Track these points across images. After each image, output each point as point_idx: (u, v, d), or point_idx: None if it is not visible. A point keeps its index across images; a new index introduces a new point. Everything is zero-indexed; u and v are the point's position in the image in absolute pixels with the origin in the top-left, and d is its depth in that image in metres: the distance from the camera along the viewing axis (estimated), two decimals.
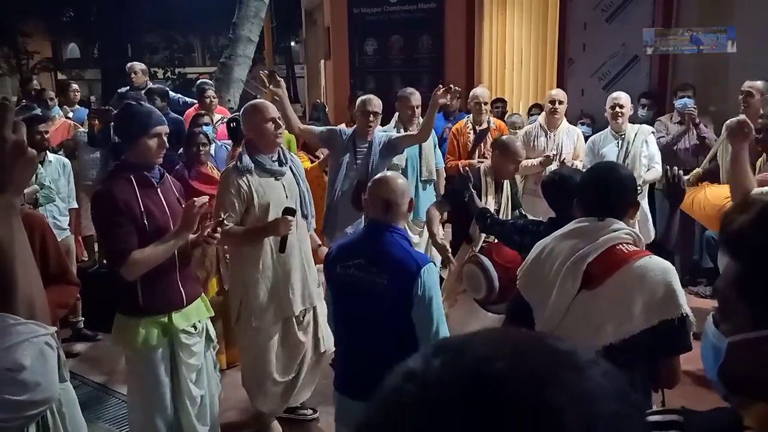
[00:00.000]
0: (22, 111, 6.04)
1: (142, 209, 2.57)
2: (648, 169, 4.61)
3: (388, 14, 7.32)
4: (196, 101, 6.45)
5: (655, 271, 1.95)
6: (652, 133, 4.72)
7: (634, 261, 1.97)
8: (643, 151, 4.60)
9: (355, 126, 4.18)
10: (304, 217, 3.32)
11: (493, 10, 7.13)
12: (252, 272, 3.14)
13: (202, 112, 5.65)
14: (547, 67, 6.94)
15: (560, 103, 4.82)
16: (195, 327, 2.81)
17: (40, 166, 4.49)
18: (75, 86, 6.97)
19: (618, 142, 4.62)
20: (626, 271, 1.96)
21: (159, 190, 2.68)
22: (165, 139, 2.64)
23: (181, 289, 2.73)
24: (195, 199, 2.56)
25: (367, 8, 7.42)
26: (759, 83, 4.22)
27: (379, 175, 2.50)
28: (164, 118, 2.57)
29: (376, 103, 4.09)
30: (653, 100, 5.61)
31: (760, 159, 3.74)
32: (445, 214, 3.92)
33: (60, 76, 23.12)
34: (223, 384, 4.07)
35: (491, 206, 3.59)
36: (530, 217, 3.80)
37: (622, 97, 4.64)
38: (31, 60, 24.09)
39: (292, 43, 21.11)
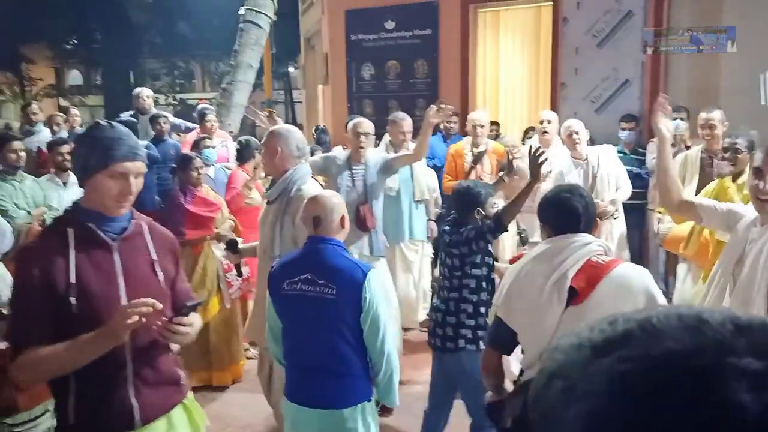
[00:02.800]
0: (25, 135, 6.17)
1: (71, 280, 1.75)
2: (617, 189, 4.66)
3: (385, 40, 7.48)
4: (197, 125, 6.59)
5: (634, 278, 2.04)
6: (613, 149, 4.81)
7: (612, 270, 2.04)
8: (611, 171, 4.64)
9: (350, 149, 4.29)
10: None
11: (486, 35, 7.30)
12: None
13: (204, 135, 5.77)
14: (540, 90, 7.08)
15: (549, 122, 4.95)
16: None
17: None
18: (74, 111, 7.15)
19: (582, 169, 4.65)
20: (607, 282, 2.02)
21: (116, 250, 1.85)
22: (135, 181, 1.85)
23: (134, 402, 1.86)
24: (135, 302, 1.73)
25: (364, 35, 7.58)
26: (716, 113, 4.30)
27: (312, 195, 2.62)
28: (142, 153, 1.90)
29: (366, 125, 4.20)
30: (635, 122, 5.74)
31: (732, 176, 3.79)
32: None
33: (62, 102, 23.37)
34: (226, 403, 4.12)
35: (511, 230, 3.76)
36: (528, 233, 4.04)
37: (575, 124, 4.71)
38: (34, 86, 24.38)
39: (290, 69, 21.38)
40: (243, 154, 5.09)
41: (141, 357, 1.87)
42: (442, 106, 3.95)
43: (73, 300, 1.73)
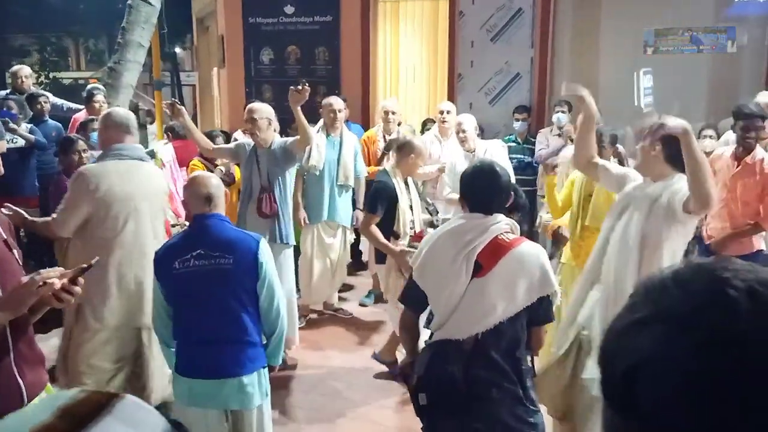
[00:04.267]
0: None
1: None
2: None
3: (285, 25, 7.39)
4: (81, 107, 6.19)
5: (531, 255, 2.30)
6: (503, 147, 5.10)
7: (514, 248, 2.29)
8: None
9: None
10: None
11: (387, 25, 7.43)
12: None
13: (92, 117, 5.43)
14: (438, 81, 7.34)
15: (448, 113, 5.17)
16: None
17: None
18: None
19: (470, 160, 4.91)
20: (509, 258, 2.27)
21: None
22: None
23: (19, 379, 1.85)
24: (41, 272, 1.75)
25: (262, 18, 7.44)
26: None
27: (193, 175, 2.81)
28: (2, 131, 1.99)
29: (256, 108, 4.23)
30: (527, 113, 6.14)
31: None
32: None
33: None
34: None
35: (406, 202, 3.88)
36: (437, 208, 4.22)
37: (464, 120, 4.92)
38: None
39: (177, 49, 20.40)
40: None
41: (20, 337, 1.86)
42: (304, 86, 3.95)
43: None
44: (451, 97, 6.69)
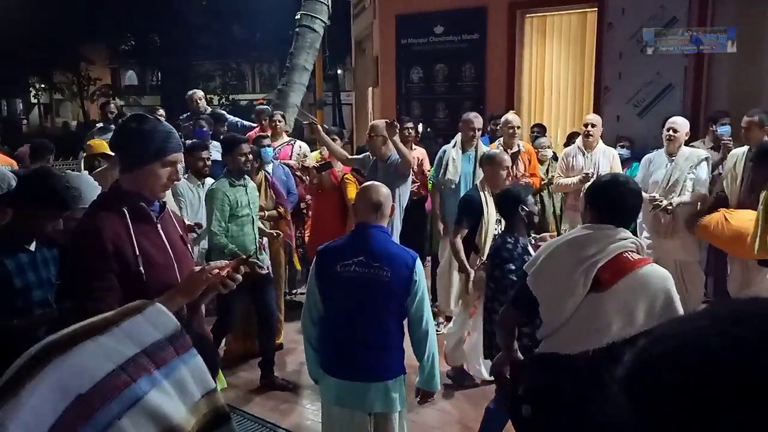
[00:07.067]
0: (101, 132, 6.72)
1: (137, 252, 2.00)
2: (692, 191, 4.68)
3: (434, 44, 7.79)
4: (254, 124, 7.02)
5: (656, 279, 2.17)
6: (705, 159, 4.74)
7: (639, 268, 2.17)
8: (690, 175, 4.67)
9: None
10: None
11: (533, 40, 7.53)
12: None
13: (263, 134, 6.19)
14: (585, 94, 7.28)
15: (593, 126, 5.18)
16: None
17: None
18: (161, 111, 7.71)
19: (668, 164, 4.76)
20: (632, 278, 2.16)
21: (159, 225, 2.12)
22: (180, 170, 2.14)
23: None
24: (211, 264, 2.05)
25: (414, 39, 7.91)
26: (756, 117, 4.41)
27: (367, 184, 2.88)
28: (181, 145, 2.15)
29: (372, 126, 4.61)
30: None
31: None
32: None
33: (118, 102, 24.40)
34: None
35: (493, 216, 4.04)
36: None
37: (677, 122, 4.78)
38: (92, 86, 25.53)
39: (339, 71, 21.85)
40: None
41: (193, 317, 2.12)
42: (393, 122, 4.44)
43: (142, 270, 1.97)
44: (598, 110, 6.61)
